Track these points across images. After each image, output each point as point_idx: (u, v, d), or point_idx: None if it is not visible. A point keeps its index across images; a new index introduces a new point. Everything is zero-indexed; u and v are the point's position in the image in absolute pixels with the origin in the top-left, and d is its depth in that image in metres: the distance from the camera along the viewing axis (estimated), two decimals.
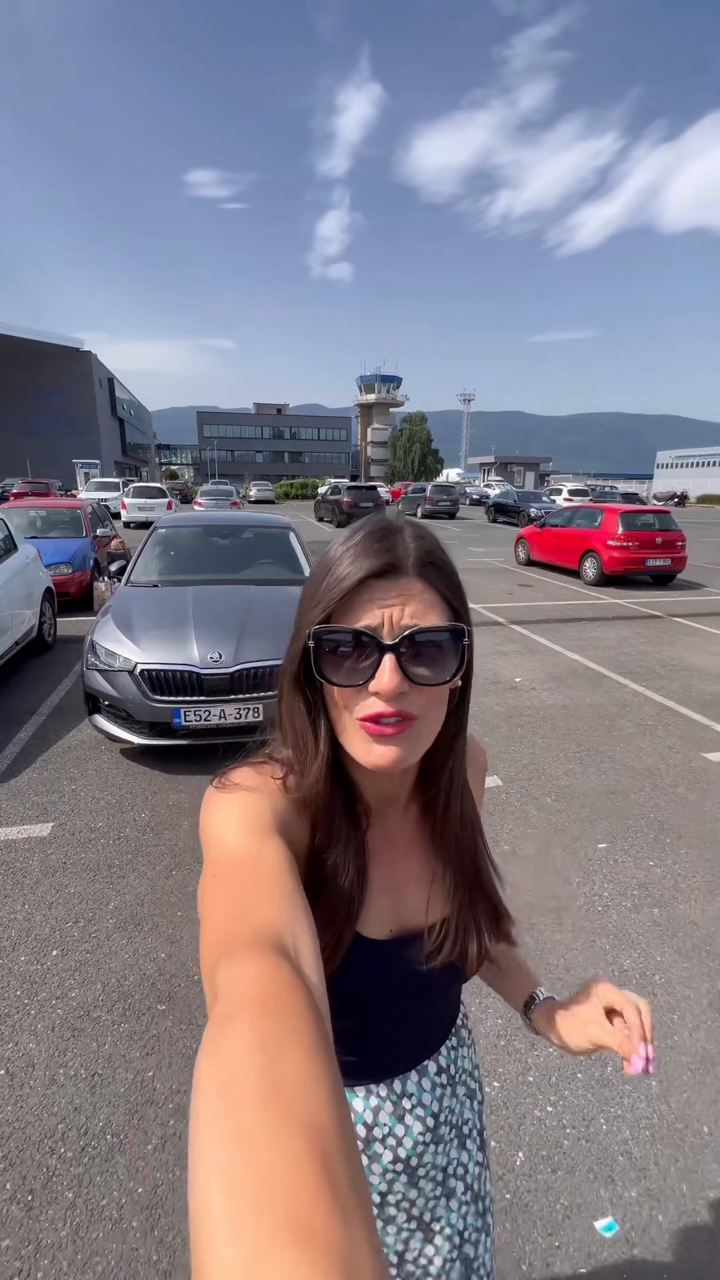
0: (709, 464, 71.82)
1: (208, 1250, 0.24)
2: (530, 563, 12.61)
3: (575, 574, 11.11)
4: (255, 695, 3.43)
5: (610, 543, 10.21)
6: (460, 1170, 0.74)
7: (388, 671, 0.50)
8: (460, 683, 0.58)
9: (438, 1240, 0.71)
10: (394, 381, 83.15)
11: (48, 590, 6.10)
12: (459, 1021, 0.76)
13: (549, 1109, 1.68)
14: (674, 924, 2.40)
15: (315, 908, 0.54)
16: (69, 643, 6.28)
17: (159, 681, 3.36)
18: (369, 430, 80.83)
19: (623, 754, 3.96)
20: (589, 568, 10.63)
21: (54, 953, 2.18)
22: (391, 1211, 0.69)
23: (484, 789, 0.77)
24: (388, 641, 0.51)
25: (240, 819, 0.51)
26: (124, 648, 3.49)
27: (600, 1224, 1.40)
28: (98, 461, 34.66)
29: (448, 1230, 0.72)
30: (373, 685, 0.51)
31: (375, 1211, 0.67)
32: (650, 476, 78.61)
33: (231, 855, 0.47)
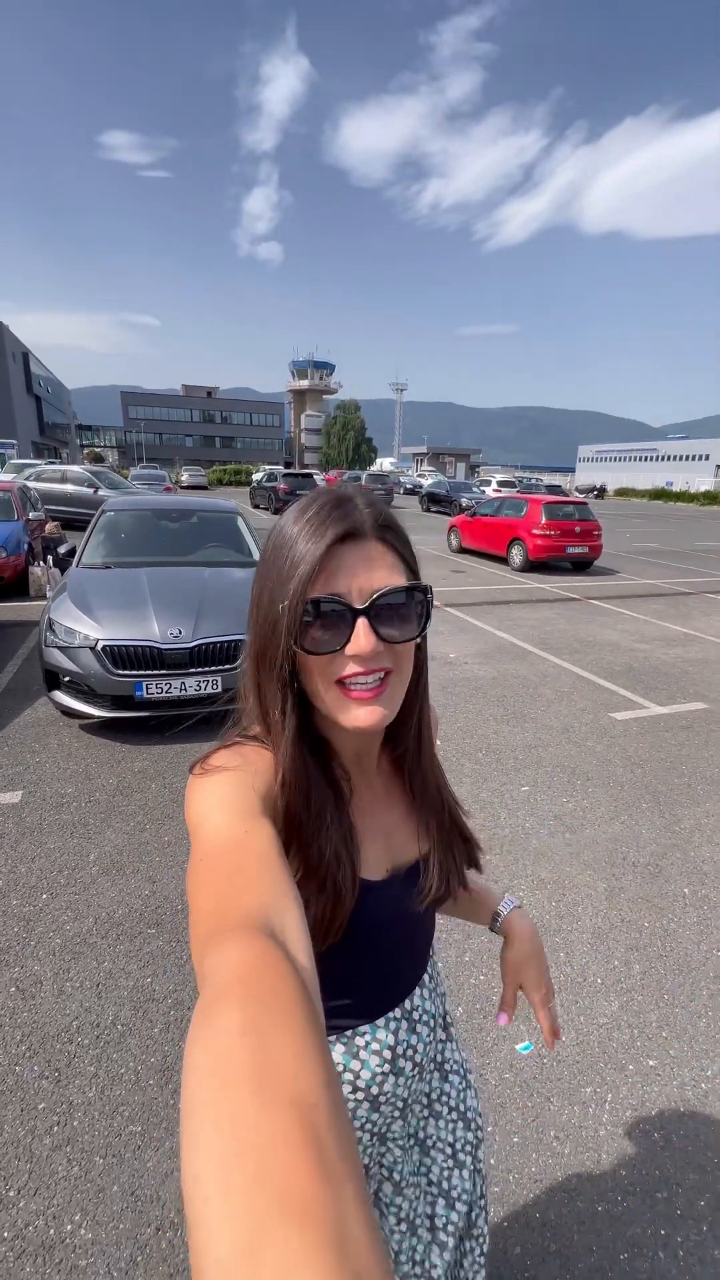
0: (626, 459, 76.38)
1: (203, 1230, 0.24)
2: (462, 550, 13.26)
3: (503, 561, 11.84)
4: (214, 668, 3.68)
5: (535, 531, 10.97)
6: (452, 1060, 0.87)
7: (363, 634, 0.54)
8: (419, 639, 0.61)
9: (433, 1153, 0.82)
10: (327, 368, 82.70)
11: None
12: (430, 960, 0.85)
13: (480, 977, 2.10)
14: (581, 844, 2.90)
15: (308, 866, 0.59)
16: (8, 628, 6.21)
17: (120, 656, 3.54)
18: (302, 417, 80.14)
19: (543, 715, 4.50)
20: (515, 555, 11.37)
21: (44, 896, 2.39)
22: (415, 1107, 0.80)
23: (437, 728, 0.84)
24: (359, 606, 0.54)
25: (224, 802, 0.52)
26: (84, 625, 3.63)
27: (519, 1046, 1.83)
28: (14, 442, 32.60)
29: (450, 1103, 0.85)
30: (349, 649, 0.54)
31: (398, 1112, 0.75)
32: (573, 470, 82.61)
33: (217, 840, 0.48)
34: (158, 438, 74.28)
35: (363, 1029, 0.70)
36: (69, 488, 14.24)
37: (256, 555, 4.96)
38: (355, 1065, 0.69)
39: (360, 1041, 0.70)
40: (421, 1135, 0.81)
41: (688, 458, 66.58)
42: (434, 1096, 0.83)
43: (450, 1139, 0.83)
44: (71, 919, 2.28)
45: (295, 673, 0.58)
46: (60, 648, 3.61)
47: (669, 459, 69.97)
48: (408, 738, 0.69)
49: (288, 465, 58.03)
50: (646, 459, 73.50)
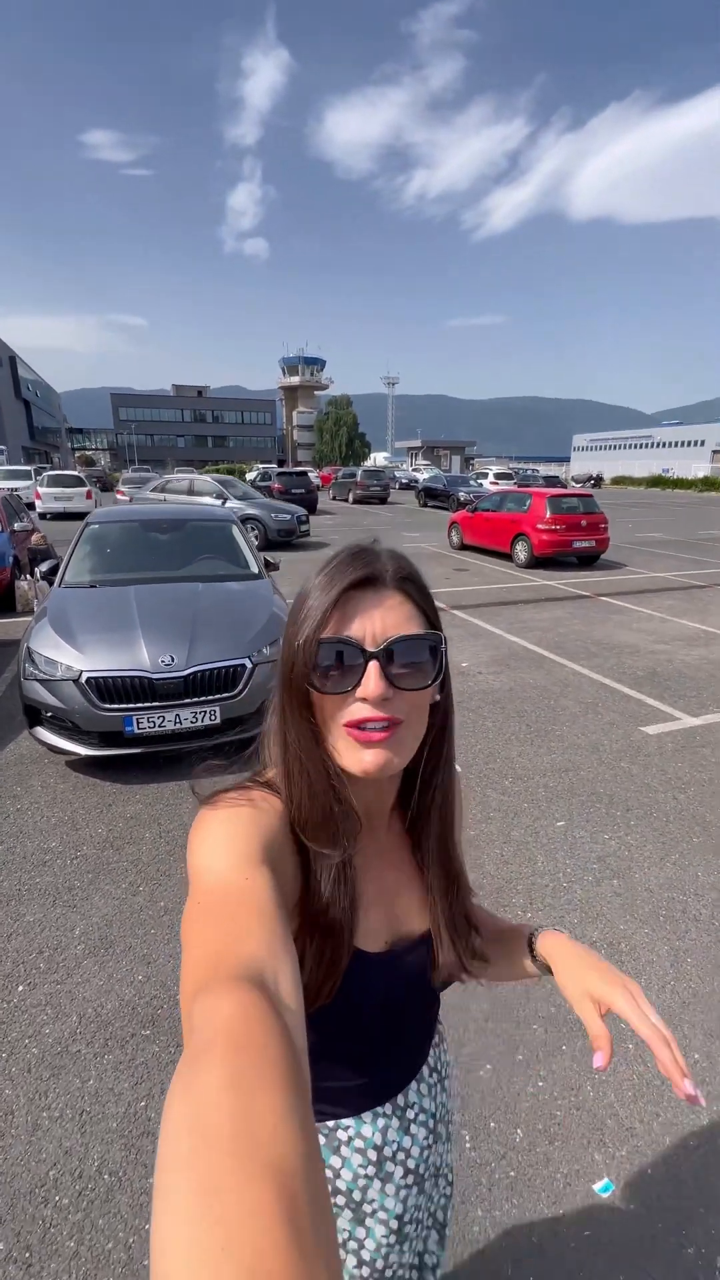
0: (620, 446, 75.97)
1: None
2: (463, 547, 12.90)
3: (507, 557, 11.49)
4: (211, 697, 3.33)
5: (540, 526, 10.61)
6: (445, 1165, 0.78)
7: (373, 678, 0.53)
8: (439, 696, 0.61)
9: (441, 1234, 0.77)
10: (317, 364, 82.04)
11: None
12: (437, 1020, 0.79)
13: (539, 1084, 1.77)
14: (633, 893, 2.57)
15: (311, 926, 0.56)
16: None
17: (107, 689, 3.19)
18: (294, 414, 79.59)
19: (568, 732, 4.16)
20: (520, 551, 11.02)
21: (20, 989, 2.04)
22: (409, 1230, 0.70)
23: (463, 813, 0.78)
24: (371, 649, 0.54)
25: (227, 846, 0.50)
26: (65, 655, 3.28)
27: (597, 1186, 1.50)
28: (3, 447, 32.14)
29: (443, 1217, 0.78)
30: (359, 691, 0.54)
31: (393, 1234, 0.68)
32: (567, 459, 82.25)
33: (217, 885, 0.47)
34: (149, 439, 73.64)
35: (345, 1122, 0.66)
36: (197, 500, 12.94)
37: (254, 566, 4.62)
38: (335, 1162, 0.65)
39: (341, 1135, 0.66)
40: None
41: (683, 444, 66.20)
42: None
43: (419, 1248, 0.75)
44: (52, 1018, 1.94)
45: (314, 716, 0.57)
46: (40, 680, 3.26)
47: (664, 445, 69.52)
48: (423, 804, 0.66)
49: (280, 463, 57.54)
50: (642, 446, 73.08)
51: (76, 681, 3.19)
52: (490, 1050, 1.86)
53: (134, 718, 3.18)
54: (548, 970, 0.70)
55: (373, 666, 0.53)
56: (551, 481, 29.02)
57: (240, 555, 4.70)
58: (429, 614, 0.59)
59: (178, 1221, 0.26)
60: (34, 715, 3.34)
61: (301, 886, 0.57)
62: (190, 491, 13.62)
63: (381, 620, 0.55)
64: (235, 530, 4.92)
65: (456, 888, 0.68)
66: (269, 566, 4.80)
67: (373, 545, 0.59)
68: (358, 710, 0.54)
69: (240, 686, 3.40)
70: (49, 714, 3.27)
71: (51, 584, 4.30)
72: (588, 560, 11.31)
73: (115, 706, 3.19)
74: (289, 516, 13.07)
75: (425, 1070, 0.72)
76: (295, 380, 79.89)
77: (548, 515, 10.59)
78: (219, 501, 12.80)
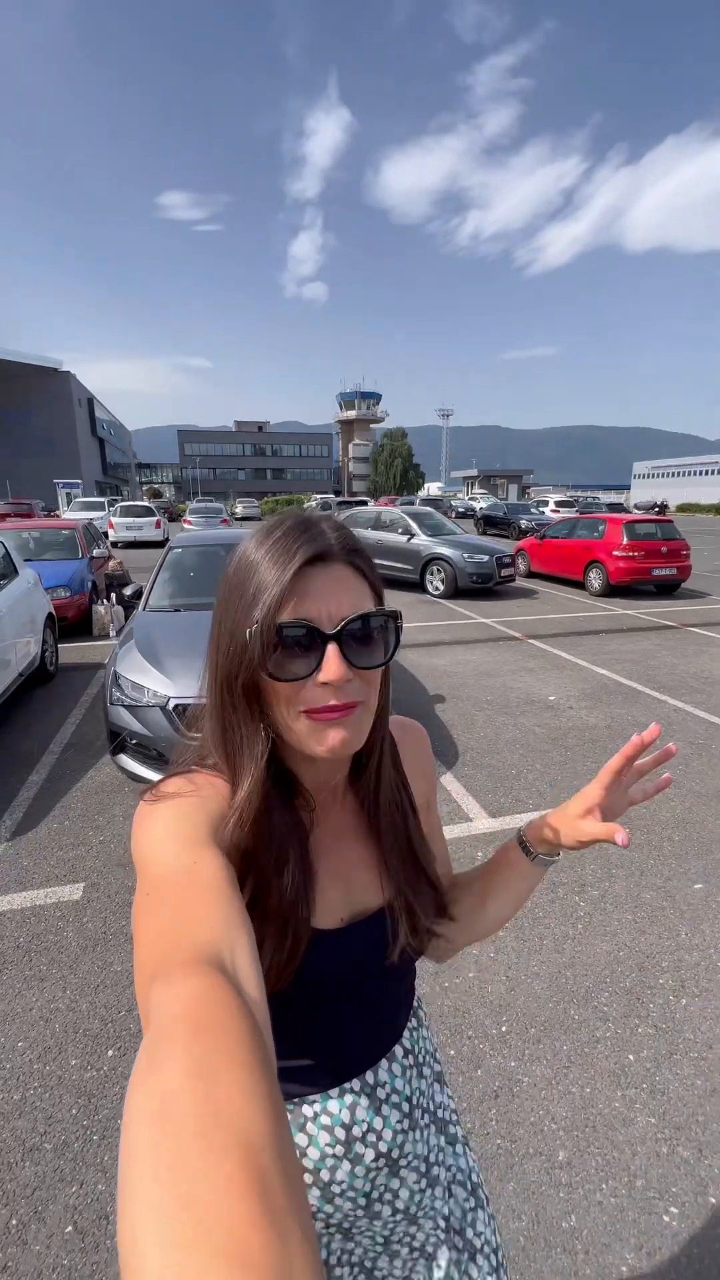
0: (684, 474, 73.47)
1: None
2: (531, 574, 12.53)
3: (579, 585, 11.03)
4: None
5: (616, 553, 10.13)
6: (441, 1156, 0.73)
7: (333, 661, 0.51)
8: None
9: (427, 1228, 0.70)
10: (373, 398, 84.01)
11: (49, 616, 5.75)
12: (415, 1003, 0.75)
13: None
14: None
15: (266, 907, 0.55)
16: (71, 671, 5.92)
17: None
18: (350, 446, 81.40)
19: (684, 776, 3.73)
20: (594, 578, 10.53)
21: (110, 1053, 1.84)
22: (378, 1208, 0.66)
23: (432, 767, 0.76)
24: (329, 631, 0.51)
25: (173, 832, 0.49)
26: (153, 680, 3.17)
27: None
28: (79, 481, 34.15)
29: (439, 1220, 0.71)
30: (320, 675, 0.51)
31: (361, 1210, 0.66)
32: (627, 487, 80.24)
33: (165, 870, 0.46)
34: (212, 472, 76.85)
35: (311, 1097, 0.64)
36: (385, 536, 11.10)
37: None
38: (301, 1140, 0.63)
39: (307, 1111, 0.64)
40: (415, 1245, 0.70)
41: None
42: (452, 1220, 0.72)
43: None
44: None
45: (259, 701, 0.55)
46: (127, 706, 3.15)
47: None
48: (369, 768, 0.65)
49: (337, 493, 58.66)
50: (707, 473, 70.47)
51: (164, 708, 3.07)
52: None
53: None
54: (546, 851, 0.69)
55: (331, 649, 0.51)
56: (615, 509, 28.16)
57: None
58: (375, 586, 0.57)
59: (146, 1208, 0.25)
60: (118, 741, 3.23)
61: (254, 869, 0.55)
62: (378, 524, 11.53)
63: (336, 599, 0.53)
64: None
65: (411, 852, 0.66)
66: None
67: (312, 516, 0.56)
68: (317, 696, 0.52)
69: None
70: (133, 740, 3.15)
71: (133, 608, 4.28)
72: (667, 589, 10.70)
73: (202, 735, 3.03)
74: (487, 558, 10.14)
75: (399, 1050, 0.69)
76: (352, 414, 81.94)
77: (624, 541, 10.09)
78: (405, 538, 10.85)
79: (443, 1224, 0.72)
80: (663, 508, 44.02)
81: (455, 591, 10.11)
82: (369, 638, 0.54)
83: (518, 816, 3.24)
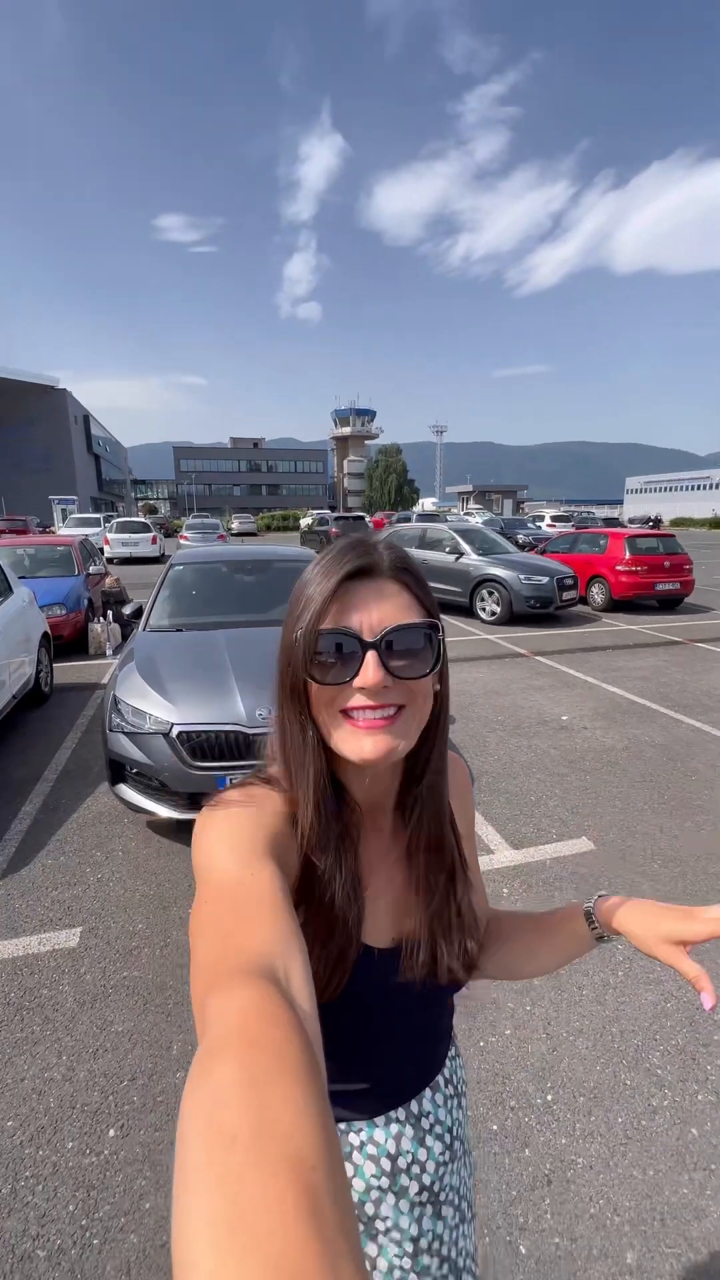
0: (677, 488, 74.24)
1: None
2: None
3: (581, 600, 10.93)
4: None
5: (619, 568, 10.05)
6: (465, 1191, 0.72)
7: (371, 667, 0.53)
8: (439, 686, 0.60)
9: (464, 1275, 0.69)
10: (368, 415, 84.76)
11: (44, 635, 5.56)
12: (451, 1029, 0.75)
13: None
14: None
15: (317, 921, 0.56)
16: (67, 691, 5.73)
17: (200, 745, 2.87)
18: (345, 462, 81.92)
19: (711, 802, 3.56)
20: (597, 593, 10.45)
21: (110, 1132, 1.64)
22: (425, 1261, 0.64)
23: (471, 805, 0.76)
24: (369, 639, 0.54)
25: (231, 842, 0.50)
26: (155, 705, 2.99)
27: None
28: (75, 498, 34.07)
29: (464, 1259, 0.70)
30: (357, 681, 0.53)
31: (408, 1258, 0.63)
32: (620, 502, 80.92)
33: (223, 881, 0.47)
34: (207, 488, 77.06)
35: (357, 1124, 0.64)
36: (430, 555, 10.03)
37: None
38: (347, 1170, 0.60)
39: (353, 1140, 0.63)
40: None
41: None
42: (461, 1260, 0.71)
43: None
44: (148, 1179, 1.51)
45: (310, 707, 0.57)
46: (127, 733, 2.97)
47: None
48: (418, 787, 0.64)
49: (332, 509, 58.87)
50: (699, 488, 71.25)
51: (167, 735, 2.89)
52: None
53: (228, 778, 2.83)
54: (606, 937, 0.67)
55: (370, 656, 0.53)
56: (611, 524, 28.25)
57: None
58: (426, 603, 0.58)
59: (199, 1223, 0.25)
60: (117, 771, 3.04)
61: (307, 880, 0.56)
62: (423, 542, 10.43)
63: (379, 610, 0.55)
64: None
65: (449, 880, 0.65)
66: None
67: (369, 537, 0.59)
68: (355, 699, 0.54)
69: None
70: (134, 770, 2.96)
71: (132, 627, 4.11)
72: (670, 604, 10.62)
73: (208, 765, 2.85)
74: (546, 579, 9.01)
75: (440, 1080, 0.70)
76: (347, 430, 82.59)
77: (627, 556, 10.02)
78: (452, 557, 9.87)
79: (469, 1260, 0.70)
80: (657, 522, 44.32)
81: (510, 617, 9.02)
82: (410, 649, 0.55)
83: (541, 848, 3.06)
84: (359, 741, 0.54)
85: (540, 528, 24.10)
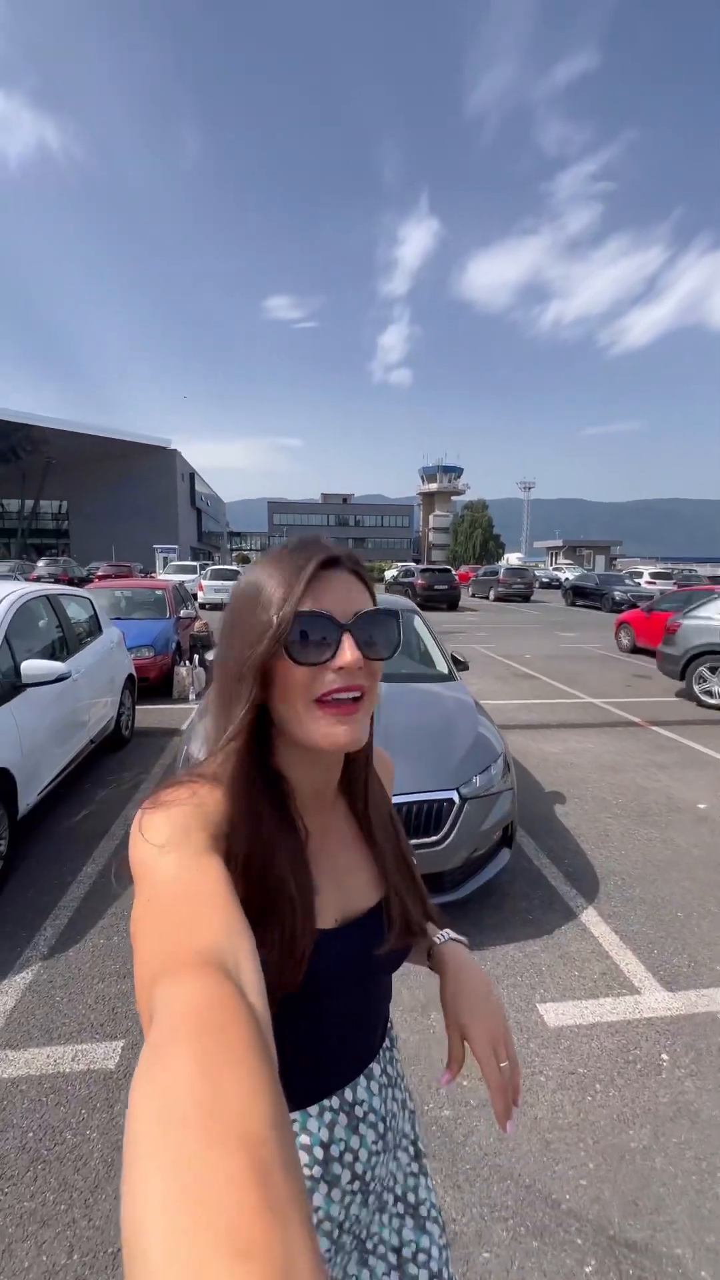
0: None
1: (144, 1276, 0.23)
2: (635, 650, 11.39)
3: None
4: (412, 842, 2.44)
5: None
6: (391, 1181, 0.72)
7: (349, 647, 0.55)
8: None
9: (371, 1260, 0.69)
10: (455, 471, 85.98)
11: (129, 677, 5.47)
12: (388, 1020, 0.76)
13: None
14: None
15: (267, 908, 0.55)
16: (147, 736, 5.56)
17: None
18: (431, 517, 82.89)
19: None
20: None
21: None
22: (345, 1239, 0.65)
23: (392, 790, 0.79)
24: (344, 622, 0.56)
25: (169, 840, 0.49)
26: None
27: None
28: (176, 547, 36.38)
29: (382, 1249, 0.70)
30: (336, 661, 0.55)
31: (329, 1240, 0.63)
32: (718, 559, 75.76)
33: (165, 879, 0.46)
34: None
35: (291, 1116, 0.62)
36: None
37: (443, 664, 3.82)
38: None
39: None
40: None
41: None
42: (404, 1251, 0.71)
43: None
44: None
45: (264, 695, 0.58)
46: None
47: None
48: (359, 774, 0.70)
49: (416, 561, 59.29)
50: None
51: None
52: None
53: None
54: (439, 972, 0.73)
55: (347, 637, 0.55)
56: (717, 582, 26.10)
57: (427, 650, 3.95)
58: (373, 594, 0.62)
59: (152, 1204, 0.25)
60: None
61: (257, 876, 0.56)
62: None
63: (348, 596, 0.58)
64: (418, 620, 4.22)
65: (397, 840, 0.71)
66: (458, 665, 3.99)
67: (319, 537, 0.61)
68: (330, 682, 0.55)
69: (445, 830, 2.48)
70: None
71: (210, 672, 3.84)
72: None
73: None
74: None
75: (375, 1068, 0.70)
76: (434, 486, 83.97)
77: None
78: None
79: (393, 1256, 0.70)
80: None
81: None
82: (376, 632, 0.58)
83: (709, 994, 2.31)
84: (331, 728, 0.56)
85: (639, 585, 22.61)
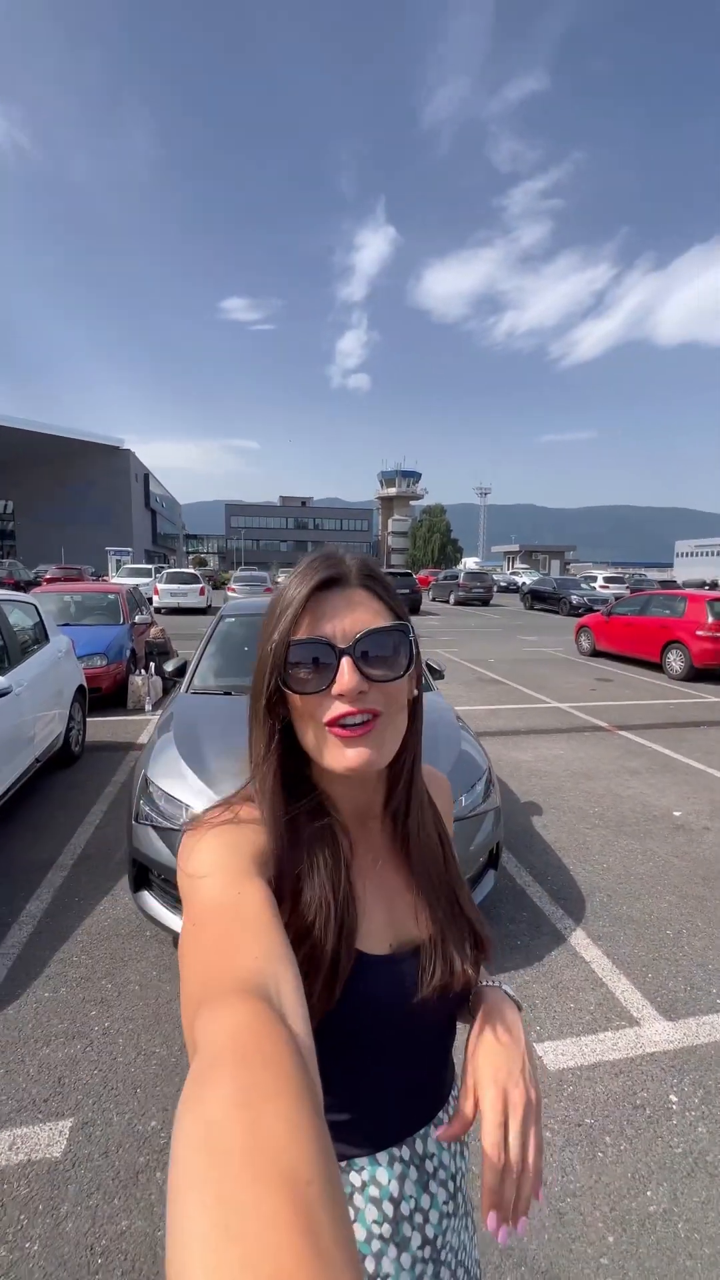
0: None
1: None
2: (595, 653, 11.58)
3: (654, 666, 10.02)
4: None
5: (700, 633, 9.13)
6: (463, 1252, 0.65)
7: (346, 672, 0.53)
8: (416, 691, 0.60)
9: None
10: (413, 476, 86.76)
11: (79, 688, 5.08)
12: (460, 1070, 0.68)
13: None
14: None
15: (308, 931, 0.54)
16: (100, 751, 5.18)
17: None
18: (390, 521, 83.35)
19: None
20: (674, 660, 9.51)
21: None
22: None
23: (451, 818, 0.76)
24: (342, 646, 0.54)
25: (215, 864, 0.50)
26: (194, 792, 2.36)
27: None
28: (130, 549, 35.20)
29: None
30: (335, 688, 0.53)
31: None
32: (668, 564, 79.18)
33: (209, 902, 0.46)
34: (255, 544, 79.36)
35: (359, 1162, 0.59)
36: None
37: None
38: (349, 1214, 0.46)
39: (355, 1180, 0.58)
40: None
41: None
42: None
43: None
44: None
45: (285, 718, 0.58)
46: (157, 827, 2.33)
47: None
48: (401, 798, 0.65)
49: None
50: None
51: None
52: None
53: None
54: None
55: (345, 662, 0.53)
56: (667, 586, 27.09)
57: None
58: (395, 608, 0.59)
59: (193, 1241, 0.25)
60: (142, 874, 2.39)
61: (295, 892, 0.55)
62: None
63: (350, 617, 0.55)
64: None
65: (447, 883, 0.66)
66: (433, 673, 3.82)
67: (336, 550, 0.60)
68: (335, 708, 0.54)
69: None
70: (161, 876, 2.30)
71: (175, 686, 3.55)
72: None
73: None
74: None
75: (445, 1118, 0.64)
76: (392, 491, 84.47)
77: (710, 621, 9.09)
78: None
79: None
80: (713, 585, 42.66)
81: None
82: (384, 652, 0.55)
83: (704, 1020, 2.19)
84: (340, 751, 0.54)
85: (594, 589, 23.18)
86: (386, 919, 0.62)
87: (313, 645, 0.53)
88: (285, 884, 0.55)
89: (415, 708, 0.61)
